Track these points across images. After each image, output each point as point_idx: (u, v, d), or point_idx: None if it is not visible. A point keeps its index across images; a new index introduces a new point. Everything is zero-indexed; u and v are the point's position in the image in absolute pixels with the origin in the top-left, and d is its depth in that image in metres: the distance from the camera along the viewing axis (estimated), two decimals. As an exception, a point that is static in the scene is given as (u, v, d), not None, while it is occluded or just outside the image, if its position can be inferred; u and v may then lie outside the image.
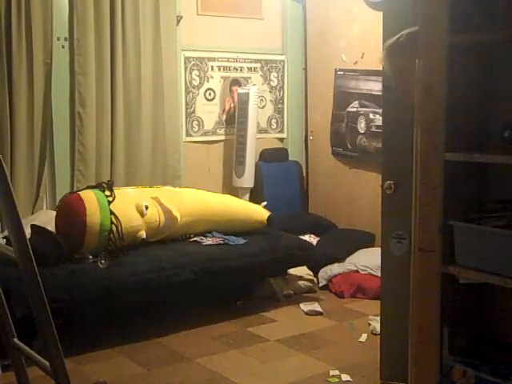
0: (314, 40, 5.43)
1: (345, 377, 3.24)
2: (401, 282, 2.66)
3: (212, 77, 5.13)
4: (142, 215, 3.86)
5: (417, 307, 2.39)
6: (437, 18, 2.21)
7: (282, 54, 5.46)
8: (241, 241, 4.19)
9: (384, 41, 2.87)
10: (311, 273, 4.60)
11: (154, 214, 3.92)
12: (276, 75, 5.44)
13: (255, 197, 5.04)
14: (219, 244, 4.16)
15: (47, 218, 4.07)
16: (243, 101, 5.06)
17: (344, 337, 3.77)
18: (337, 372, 3.30)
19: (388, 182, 2.87)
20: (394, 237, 2.88)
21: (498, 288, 2.21)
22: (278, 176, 5.32)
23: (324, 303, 4.26)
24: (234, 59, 5.22)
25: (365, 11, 4.77)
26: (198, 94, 5.04)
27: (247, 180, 5.08)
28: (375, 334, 3.65)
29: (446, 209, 2.25)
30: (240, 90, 5.12)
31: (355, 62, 4.99)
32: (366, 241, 4.90)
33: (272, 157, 5.36)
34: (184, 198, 4.17)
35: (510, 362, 2.34)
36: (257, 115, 5.11)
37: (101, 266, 3.66)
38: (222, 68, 5.18)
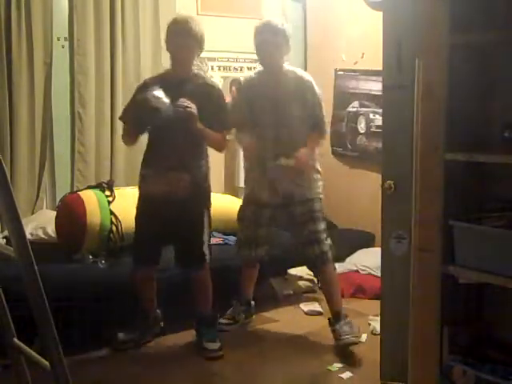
0: (314, 40, 5.43)
1: (346, 374, 3.25)
2: (401, 281, 2.67)
3: (212, 77, 5.11)
4: (142, 215, 3.86)
5: (417, 307, 2.40)
6: (437, 18, 2.21)
7: (281, 54, 5.45)
8: (241, 241, 4.18)
9: (384, 41, 2.88)
10: (311, 273, 4.60)
11: (154, 214, 3.92)
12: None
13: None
14: (219, 244, 4.16)
15: (47, 218, 4.07)
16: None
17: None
18: (340, 365, 3.34)
19: (388, 181, 2.87)
20: (394, 237, 2.88)
21: (498, 288, 2.21)
22: (278, 176, 5.31)
23: (324, 303, 4.25)
24: (234, 59, 5.22)
25: (365, 11, 4.77)
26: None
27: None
28: (375, 334, 3.65)
29: (446, 209, 2.26)
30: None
31: (355, 62, 4.99)
32: (365, 241, 4.90)
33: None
34: (184, 197, 4.17)
35: (510, 362, 2.34)
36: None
37: (101, 265, 3.66)
38: (221, 68, 5.18)
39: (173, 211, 3.35)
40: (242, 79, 3.86)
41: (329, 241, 3.64)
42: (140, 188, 3.51)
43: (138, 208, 3.52)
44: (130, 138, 3.51)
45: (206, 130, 3.36)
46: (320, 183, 3.68)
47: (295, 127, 3.56)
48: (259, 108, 3.59)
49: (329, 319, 3.66)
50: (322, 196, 3.68)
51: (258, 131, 3.57)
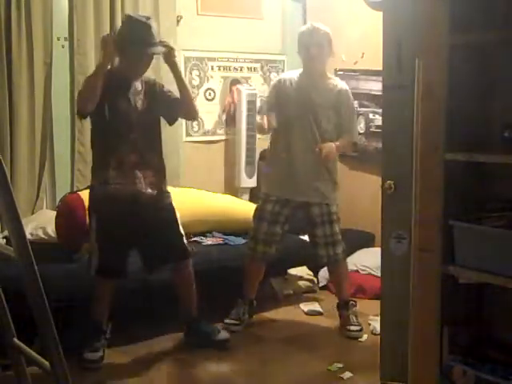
0: (314, 40, 5.41)
1: (346, 374, 3.25)
2: (401, 281, 2.66)
3: (212, 77, 5.12)
4: (142, 215, 3.86)
5: (417, 307, 2.40)
6: (437, 18, 2.21)
7: (281, 54, 5.45)
8: (241, 241, 4.18)
9: (384, 41, 2.88)
10: (311, 273, 4.60)
11: (154, 214, 3.92)
12: (276, 75, 5.43)
13: (255, 197, 5.04)
14: (219, 244, 4.16)
15: (47, 218, 4.06)
16: (251, 101, 5.04)
17: (344, 337, 3.77)
18: (340, 365, 3.35)
19: (388, 181, 2.87)
20: (394, 237, 2.88)
21: (498, 288, 2.21)
22: (278, 176, 5.31)
23: (324, 303, 4.26)
24: (234, 59, 5.22)
25: (365, 11, 4.77)
26: (198, 93, 5.04)
27: (253, 180, 5.11)
28: (375, 334, 3.65)
29: (446, 209, 2.26)
30: (247, 91, 5.08)
31: (355, 62, 4.98)
32: (365, 241, 4.90)
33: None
34: (184, 198, 4.17)
35: (510, 361, 2.34)
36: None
37: (101, 265, 3.65)
38: (222, 68, 5.18)
39: (145, 210, 3.35)
40: (282, 76, 3.99)
41: (343, 242, 3.88)
42: (101, 192, 3.35)
43: (103, 214, 3.36)
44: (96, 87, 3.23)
45: (181, 74, 3.49)
46: (338, 189, 3.91)
47: (326, 133, 3.74)
48: (294, 108, 3.75)
49: (337, 304, 3.92)
50: (338, 200, 3.91)
51: (289, 131, 3.76)
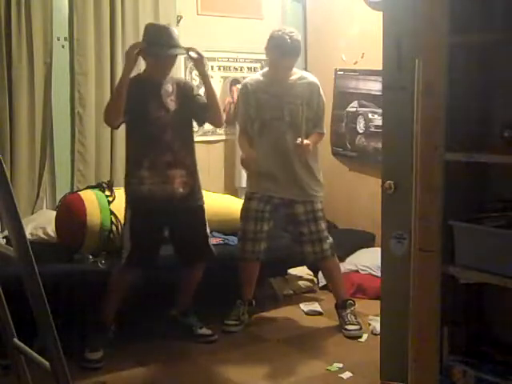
0: (313, 40, 5.43)
1: (346, 374, 3.25)
2: (401, 281, 2.66)
3: (212, 77, 5.11)
4: (142, 215, 3.86)
5: (417, 307, 2.40)
6: (437, 18, 2.21)
7: (281, 54, 5.44)
8: (241, 241, 4.18)
9: (384, 41, 2.88)
10: (311, 273, 4.60)
11: (154, 214, 3.92)
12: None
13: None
14: (219, 244, 4.16)
15: (47, 218, 4.07)
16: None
17: (344, 337, 3.77)
18: (340, 365, 3.35)
19: (388, 181, 2.87)
20: (394, 237, 2.88)
21: (497, 288, 2.21)
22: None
23: (324, 303, 4.26)
24: (234, 59, 5.22)
25: (365, 11, 4.77)
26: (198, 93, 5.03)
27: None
28: (375, 334, 3.65)
29: (446, 209, 2.26)
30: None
31: (355, 62, 4.99)
32: (366, 241, 4.90)
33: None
34: (184, 198, 4.17)
35: (510, 361, 2.34)
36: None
37: (101, 266, 3.65)
38: (222, 68, 5.18)
39: (176, 210, 3.43)
40: (248, 81, 3.95)
41: (330, 238, 3.87)
42: (136, 191, 3.42)
43: (136, 211, 3.43)
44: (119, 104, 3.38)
45: (210, 82, 3.55)
46: (322, 186, 3.90)
47: (302, 125, 3.72)
48: (267, 111, 3.78)
49: (335, 303, 3.93)
50: (322, 197, 3.90)
51: (267, 133, 3.79)
